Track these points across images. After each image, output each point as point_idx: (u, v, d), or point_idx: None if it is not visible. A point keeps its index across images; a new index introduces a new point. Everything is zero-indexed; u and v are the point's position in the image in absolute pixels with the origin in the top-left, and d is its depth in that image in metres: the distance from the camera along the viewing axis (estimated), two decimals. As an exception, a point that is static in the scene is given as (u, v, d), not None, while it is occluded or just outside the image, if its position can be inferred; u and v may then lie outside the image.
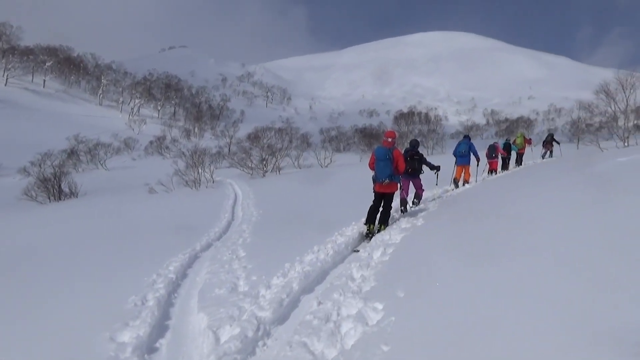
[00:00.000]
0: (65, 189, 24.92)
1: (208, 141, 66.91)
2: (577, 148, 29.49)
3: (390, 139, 7.01)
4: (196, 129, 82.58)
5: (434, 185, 10.57)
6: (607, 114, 24.19)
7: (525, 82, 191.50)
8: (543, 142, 20.56)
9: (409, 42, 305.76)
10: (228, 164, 36.44)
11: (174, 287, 5.05)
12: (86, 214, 15.29)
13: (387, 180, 6.86)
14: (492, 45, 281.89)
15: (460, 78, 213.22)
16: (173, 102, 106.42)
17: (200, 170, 27.12)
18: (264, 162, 31.45)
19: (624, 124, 21.43)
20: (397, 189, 7.21)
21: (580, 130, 51.42)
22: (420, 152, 9.11)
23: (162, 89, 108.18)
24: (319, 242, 6.18)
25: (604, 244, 3.15)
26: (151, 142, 60.17)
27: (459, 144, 12.34)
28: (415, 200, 8.98)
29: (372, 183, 7.12)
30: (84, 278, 5.68)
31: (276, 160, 32.33)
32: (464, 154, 11.99)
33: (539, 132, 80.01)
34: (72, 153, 45.25)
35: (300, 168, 36.32)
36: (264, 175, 29.69)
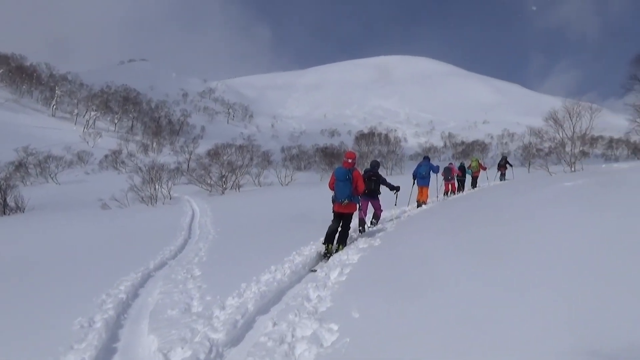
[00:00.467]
0: (11, 203, 23.75)
1: (166, 157, 65.60)
2: (529, 172, 30.77)
3: (350, 160, 7.10)
4: (154, 144, 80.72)
5: (393, 206, 10.74)
6: (555, 140, 25.33)
7: (481, 107, 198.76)
8: (498, 165, 21.57)
9: (370, 65, 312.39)
10: (187, 180, 35.84)
11: (124, 307, 4.87)
12: (34, 229, 14.59)
13: (346, 201, 6.92)
14: (449, 71, 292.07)
15: (419, 101, 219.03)
16: (131, 115, 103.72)
17: (157, 186, 26.56)
18: (224, 179, 31.11)
19: (571, 150, 22.48)
20: (356, 210, 7.29)
21: (531, 155, 53.82)
22: (380, 173, 9.25)
23: (120, 102, 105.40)
24: (277, 261, 6.13)
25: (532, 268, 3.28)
26: (106, 156, 58.29)
27: (419, 166, 12.67)
28: (373, 220, 9.11)
29: (332, 203, 7.17)
30: (28, 299, 5.40)
31: (236, 178, 32.07)
32: (424, 176, 12.36)
33: (493, 155, 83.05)
34: (20, 165, 43.27)
35: (260, 186, 36.11)
36: (223, 193, 29.34)
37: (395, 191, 9.25)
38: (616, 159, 68.40)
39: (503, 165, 21.24)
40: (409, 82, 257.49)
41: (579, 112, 22.37)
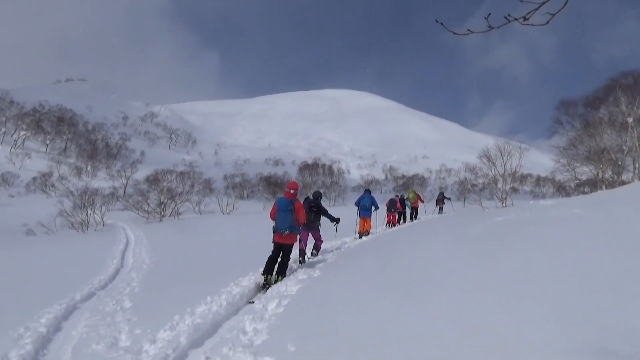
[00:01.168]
0: None
1: (101, 181, 62.91)
2: (464, 206, 32.12)
3: (292, 191, 7.15)
4: (89, 167, 77.10)
5: (334, 237, 10.81)
6: (488, 177, 26.72)
7: (421, 143, 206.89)
8: (436, 200, 22.61)
9: (317, 97, 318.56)
10: (122, 206, 34.39)
11: (44, 342, 4.52)
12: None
13: (287, 231, 6.92)
14: (393, 107, 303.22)
15: (363, 135, 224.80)
16: (65, 137, 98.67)
17: (89, 212, 25.34)
18: (162, 206, 30.16)
19: (502, 186, 23.77)
20: (296, 240, 7.28)
21: (466, 190, 56.42)
22: (322, 204, 9.33)
23: (54, 122, 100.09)
24: (213, 292, 5.96)
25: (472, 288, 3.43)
26: (34, 179, 54.90)
27: (362, 198, 13.18)
28: (313, 251, 9.13)
29: (272, 233, 7.12)
30: None
31: (175, 205, 31.22)
32: (367, 208, 12.86)
33: (432, 189, 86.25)
34: None
35: (201, 214, 35.26)
36: (161, 220, 28.40)
37: (335, 223, 9.22)
38: (543, 196, 73.05)
39: (441, 199, 22.40)
40: (354, 116, 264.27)
41: (509, 151, 23.88)
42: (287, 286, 6.05)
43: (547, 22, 1.51)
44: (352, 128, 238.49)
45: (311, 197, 9.34)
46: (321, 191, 10.85)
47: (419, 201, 18.58)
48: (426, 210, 21.34)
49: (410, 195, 18.32)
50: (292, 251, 7.28)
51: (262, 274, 6.76)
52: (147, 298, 6.40)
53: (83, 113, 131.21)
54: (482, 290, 3.72)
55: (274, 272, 6.85)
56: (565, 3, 1.48)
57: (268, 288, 6.45)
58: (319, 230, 9.10)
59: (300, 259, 8.35)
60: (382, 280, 5.06)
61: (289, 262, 7.25)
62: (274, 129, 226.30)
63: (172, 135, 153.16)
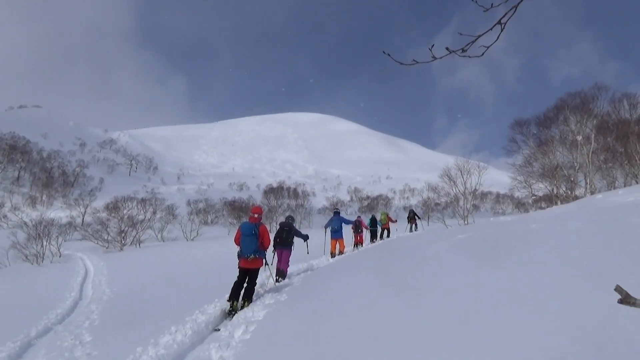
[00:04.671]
0: None
1: (58, 210, 60.75)
2: (428, 224, 32.71)
3: (256, 215, 7.17)
4: (44, 197, 74.24)
5: (305, 255, 10.85)
6: (450, 195, 27.38)
7: (384, 164, 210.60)
8: (408, 218, 23.21)
9: (280, 120, 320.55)
10: (81, 236, 33.27)
11: (-4, 383, 4.30)
12: None
13: (252, 256, 6.89)
14: (355, 129, 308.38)
15: (326, 157, 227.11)
16: (18, 165, 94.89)
17: (45, 243, 24.39)
18: (123, 235, 29.37)
19: (464, 204, 24.38)
20: (262, 265, 7.21)
21: (430, 209, 57.50)
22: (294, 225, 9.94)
23: (5, 151, 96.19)
24: (178, 321, 5.83)
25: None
26: (-15, 210, 52.42)
27: (331, 220, 13.46)
28: (278, 278, 9.08)
29: (237, 259, 7.07)
30: None
31: (137, 233, 30.49)
32: (337, 229, 13.13)
33: (396, 208, 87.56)
34: None
35: (164, 241, 34.46)
36: (121, 249, 27.63)
37: (304, 239, 9.91)
38: (503, 213, 75.36)
39: (412, 217, 22.96)
40: (318, 139, 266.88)
41: (469, 170, 24.60)
42: (253, 312, 5.99)
43: (482, 54, 1.65)
44: (316, 151, 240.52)
45: (284, 221, 10.03)
46: (292, 215, 11.21)
47: (390, 221, 19.26)
48: (397, 228, 21.78)
49: (382, 217, 18.97)
50: (259, 276, 7.25)
51: (228, 300, 6.66)
52: (107, 331, 6.19)
53: (38, 140, 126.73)
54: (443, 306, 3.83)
55: (240, 298, 6.77)
56: (497, 37, 1.62)
57: (234, 314, 6.36)
58: (290, 251, 9.58)
59: (278, 278, 8.80)
60: (350, 301, 5.09)
61: (256, 287, 7.19)
62: (237, 153, 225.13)
63: (133, 162, 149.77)
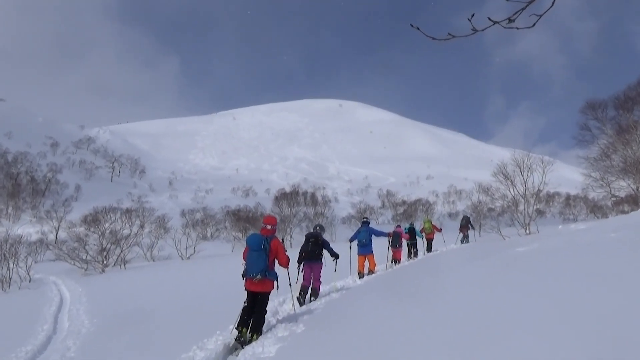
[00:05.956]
0: None
1: (26, 225, 62.07)
2: (479, 235, 32.45)
3: (269, 226, 7.19)
4: (10, 209, 75.95)
5: (333, 272, 10.85)
6: (507, 198, 26.93)
7: (423, 160, 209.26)
8: (460, 226, 23.10)
9: (293, 109, 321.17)
10: (54, 255, 33.89)
11: None
12: None
13: (258, 276, 6.78)
14: (386, 118, 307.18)
15: (351, 153, 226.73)
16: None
17: (11, 266, 24.92)
18: (105, 254, 29.81)
19: (525, 209, 23.99)
20: (272, 288, 7.12)
21: (481, 215, 56.88)
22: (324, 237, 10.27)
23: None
24: (172, 359, 5.91)
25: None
26: (-60, 226, 53.90)
27: (358, 232, 13.31)
28: (311, 297, 9.45)
29: (242, 278, 7.05)
30: None
31: (121, 251, 30.90)
32: (365, 244, 12.95)
33: (440, 216, 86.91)
34: None
35: (154, 260, 34.90)
36: (103, 271, 28.06)
37: (334, 258, 10.04)
38: (574, 219, 74.06)
39: (465, 225, 22.83)
40: (340, 131, 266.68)
41: (530, 166, 24.14)
42: (263, 346, 6.01)
43: (534, 24, 1.63)
44: (338, 146, 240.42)
45: (312, 231, 10.40)
46: (322, 224, 11.32)
47: (435, 231, 19.10)
48: (445, 239, 21.69)
49: (426, 225, 18.88)
50: (269, 302, 7.23)
51: (236, 328, 6.69)
52: (87, 371, 6.31)
53: (1, 141, 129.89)
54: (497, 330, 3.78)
55: (249, 329, 6.79)
56: (553, 3, 1.60)
57: (242, 344, 6.39)
58: (321, 266, 9.86)
59: (300, 297, 9.08)
60: (386, 338, 5.07)
61: (266, 316, 7.21)
62: (240, 151, 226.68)
63: (115, 164, 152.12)
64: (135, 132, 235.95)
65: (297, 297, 9.04)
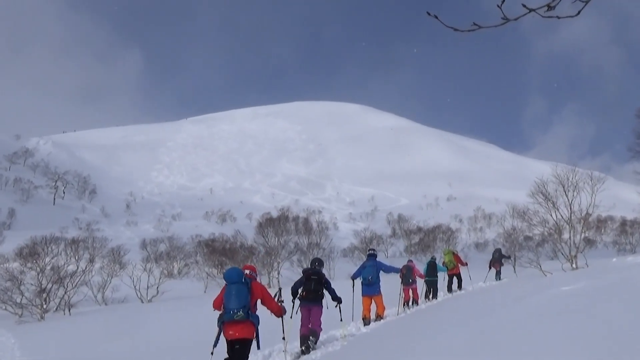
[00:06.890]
0: None
1: (-54, 260, 61.50)
2: (514, 271, 32.31)
3: (248, 271, 7.39)
4: None
5: (335, 320, 10.78)
6: (548, 224, 26.74)
7: (444, 177, 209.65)
8: (491, 261, 23.03)
9: (282, 114, 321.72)
10: (-22, 298, 33.63)
11: None
12: None
13: (240, 313, 6.76)
14: (399, 125, 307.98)
15: (354, 168, 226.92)
16: None
17: None
18: (44, 296, 29.62)
19: (571, 238, 23.84)
20: (253, 335, 7.09)
21: (516, 246, 56.73)
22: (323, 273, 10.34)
23: None
24: None
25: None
26: None
27: (362, 267, 13.11)
28: (311, 339, 9.48)
29: (218, 327, 7.03)
30: None
31: (65, 292, 30.71)
32: (371, 282, 12.65)
33: (464, 246, 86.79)
34: None
35: (106, 304, 34.67)
36: (42, 317, 27.86)
37: (337, 303, 10.18)
38: (632, 249, 73.81)
39: (497, 260, 22.74)
40: (340, 141, 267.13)
41: (576, 183, 23.99)
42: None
43: (578, 12, 1.62)
44: (337, 159, 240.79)
45: (309, 266, 10.51)
46: (320, 258, 11.24)
47: (459, 264, 19.00)
48: (471, 276, 21.55)
49: (447, 258, 18.71)
50: (249, 351, 7.17)
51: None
52: None
53: None
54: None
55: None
56: (601, -14, 1.59)
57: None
58: (321, 308, 9.86)
59: (303, 348, 9.18)
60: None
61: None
62: (217, 166, 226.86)
63: (59, 183, 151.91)
64: (85, 144, 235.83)
65: (301, 349, 9.19)
